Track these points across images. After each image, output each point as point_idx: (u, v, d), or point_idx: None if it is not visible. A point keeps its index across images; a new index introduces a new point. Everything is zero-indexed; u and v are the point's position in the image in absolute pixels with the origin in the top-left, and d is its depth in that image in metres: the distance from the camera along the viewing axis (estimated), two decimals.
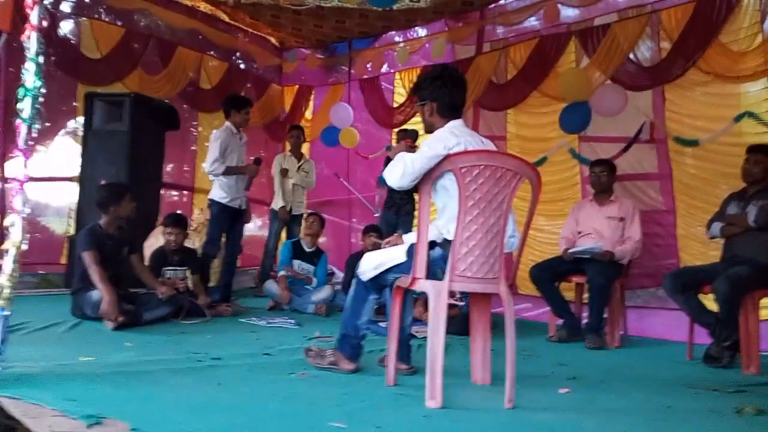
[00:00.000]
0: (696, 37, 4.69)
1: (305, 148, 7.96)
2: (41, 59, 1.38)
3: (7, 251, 1.41)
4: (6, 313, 1.51)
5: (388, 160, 5.48)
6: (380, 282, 2.76)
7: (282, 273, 5.23)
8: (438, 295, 2.38)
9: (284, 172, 6.32)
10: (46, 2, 1.39)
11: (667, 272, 4.04)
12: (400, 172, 2.48)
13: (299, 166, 6.42)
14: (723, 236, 3.87)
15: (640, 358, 3.82)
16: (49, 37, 1.72)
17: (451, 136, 2.57)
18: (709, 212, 4.12)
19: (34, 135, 1.39)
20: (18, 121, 1.34)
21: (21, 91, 1.33)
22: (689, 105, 4.85)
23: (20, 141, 1.34)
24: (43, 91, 1.38)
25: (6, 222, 1.35)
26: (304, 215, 6.10)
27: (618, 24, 5.19)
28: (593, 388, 2.83)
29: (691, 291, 3.72)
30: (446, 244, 2.55)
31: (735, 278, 3.48)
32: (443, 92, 2.67)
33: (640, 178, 5.15)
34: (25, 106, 1.34)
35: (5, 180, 5.43)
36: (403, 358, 2.87)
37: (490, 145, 2.77)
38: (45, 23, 1.36)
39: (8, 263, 1.43)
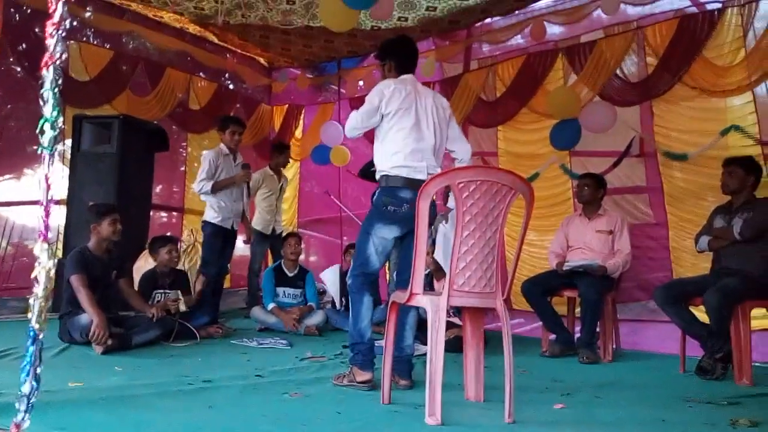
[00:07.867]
0: (681, 52, 4.78)
1: (294, 168, 7.96)
2: (57, 91, 1.46)
3: (37, 277, 1.48)
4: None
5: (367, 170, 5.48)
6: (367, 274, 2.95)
7: (272, 305, 5.06)
8: (436, 310, 2.37)
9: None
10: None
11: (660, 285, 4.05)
12: (350, 125, 3.01)
13: (280, 186, 6.31)
14: (711, 249, 3.90)
15: (633, 371, 3.81)
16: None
17: (388, 87, 2.95)
18: (699, 224, 4.15)
19: (50, 162, 1.49)
20: (40, 150, 1.45)
21: (41, 121, 1.44)
22: (677, 119, 4.93)
23: (44, 168, 1.46)
24: (61, 119, 1.47)
25: (35, 249, 1.43)
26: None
27: (604, 40, 5.27)
28: (588, 403, 2.81)
29: (681, 303, 3.73)
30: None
31: (725, 289, 3.49)
32: (399, 52, 3.15)
33: (630, 191, 5.19)
34: (45, 136, 1.44)
35: None
36: (402, 373, 2.92)
37: (428, 94, 3.05)
38: (65, 56, 1.46)
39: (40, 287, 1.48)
